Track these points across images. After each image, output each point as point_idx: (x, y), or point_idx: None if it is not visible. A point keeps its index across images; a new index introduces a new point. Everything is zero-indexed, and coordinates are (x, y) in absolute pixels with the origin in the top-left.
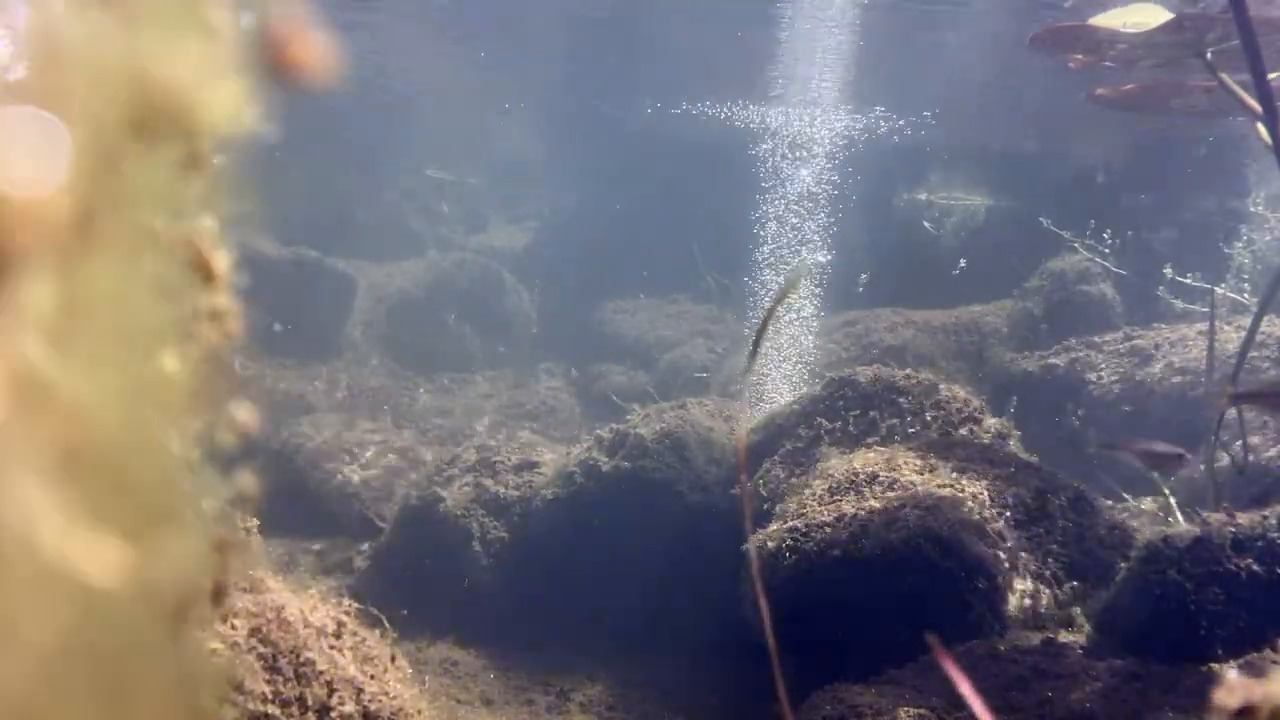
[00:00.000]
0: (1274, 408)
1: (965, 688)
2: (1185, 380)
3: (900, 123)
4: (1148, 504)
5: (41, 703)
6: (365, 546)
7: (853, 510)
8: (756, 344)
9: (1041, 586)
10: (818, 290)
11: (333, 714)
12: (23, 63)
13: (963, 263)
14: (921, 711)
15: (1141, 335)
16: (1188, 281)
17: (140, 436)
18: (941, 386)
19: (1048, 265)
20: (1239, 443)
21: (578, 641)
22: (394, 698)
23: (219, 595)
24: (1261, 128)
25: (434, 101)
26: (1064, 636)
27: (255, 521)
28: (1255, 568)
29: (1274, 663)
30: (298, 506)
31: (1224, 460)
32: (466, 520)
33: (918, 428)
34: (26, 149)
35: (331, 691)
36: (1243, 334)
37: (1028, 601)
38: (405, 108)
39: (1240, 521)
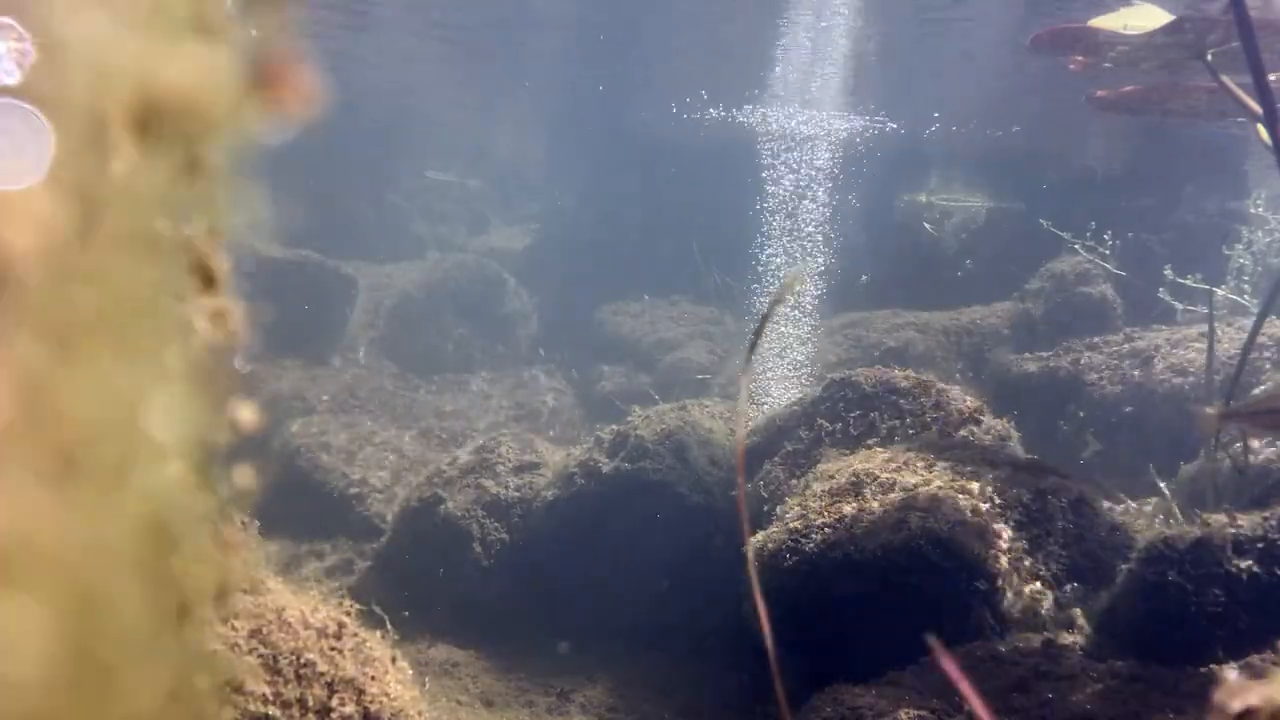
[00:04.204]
0: (1265, 426)
1: (966, 689)
2: (1186, 382)
3: (901, 125)
4: (1148, 505)
5: (43, 703)
6: (366, 548)
7: (853, 511)
8: (754, 344)
9: (1042, 588)
10: (818, 292)
11: (333, 715)
12: (26, 62)
13: (969, 264)
14: (922, 713)
15: (1142, 337)
16: (1188, 283)
17: (141, 438)
18: (942, 388)
19: (1048, 267)
20: (1239, 444)
21: (578, 642)
22: (395, 699)
23: (221, 596)
24: (1262, 129)
25: (434, 103)
26: (1064, 638)
27: (256, 522)
28: (1256, 569)
29: (1274, 664)
30: (298, 507)
31: (1224, 461)
32: (467, 521)
33: (918, 429)
34: (7, 142)
35: (332, 693)
36: (1243, 335)
37: (1028, 603)
38: (406, 109)
39: (1241, 523)
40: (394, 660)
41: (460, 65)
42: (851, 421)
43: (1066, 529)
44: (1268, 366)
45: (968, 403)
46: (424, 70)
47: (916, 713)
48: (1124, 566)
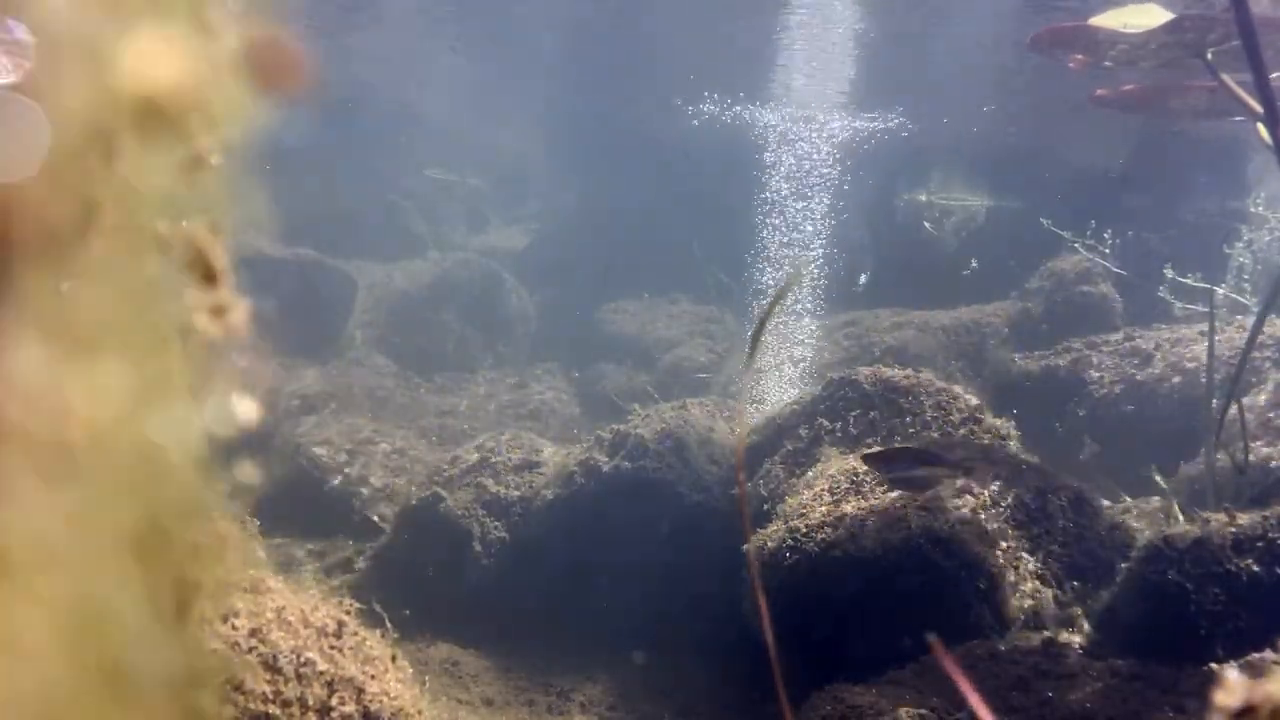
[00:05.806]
0: None
1: (966, 688)
2: (1186, 381)
3: (900, 124)
4: (1148, 504)
5: (44, 702)
6: (366, 547)
7: (853, 510)
8: (754, 343)
9: (1042, 587)
10: (818, 291)
11: (333, 714)
12: (25, 60)
13: (974, 263)
14: (922, 712)
15: (1142, 335)
16: (1188, 282)
17: (142, 434)
18: (942, 387)
19: (1048, 265)
20: (1239, 442)
21: (578, 641)
22: (395, 698)
23: (220, 594)
24: (1262, 128)
25: (434, 102)
26: (1064, 637)
27: (256, 521)
28: (1255, 568)
29: (1274, 663)
30: (298, 506)
31: (1224, 461)
32: (467, 520)
33: (918, 428)
34: (2, 133)
35: (332, 692)
36: (1243, 335)
37: (1028, 602)
38: (405, 109)
39: (1241, 522)
40: (394, 659)
41: (462, 64)
42: (851, 420)
43: (1066, 528)
44: (1268, 366)
45: (968, 401)
46: (426, 68)
47: (916, 712)
48: (1124, 565)
